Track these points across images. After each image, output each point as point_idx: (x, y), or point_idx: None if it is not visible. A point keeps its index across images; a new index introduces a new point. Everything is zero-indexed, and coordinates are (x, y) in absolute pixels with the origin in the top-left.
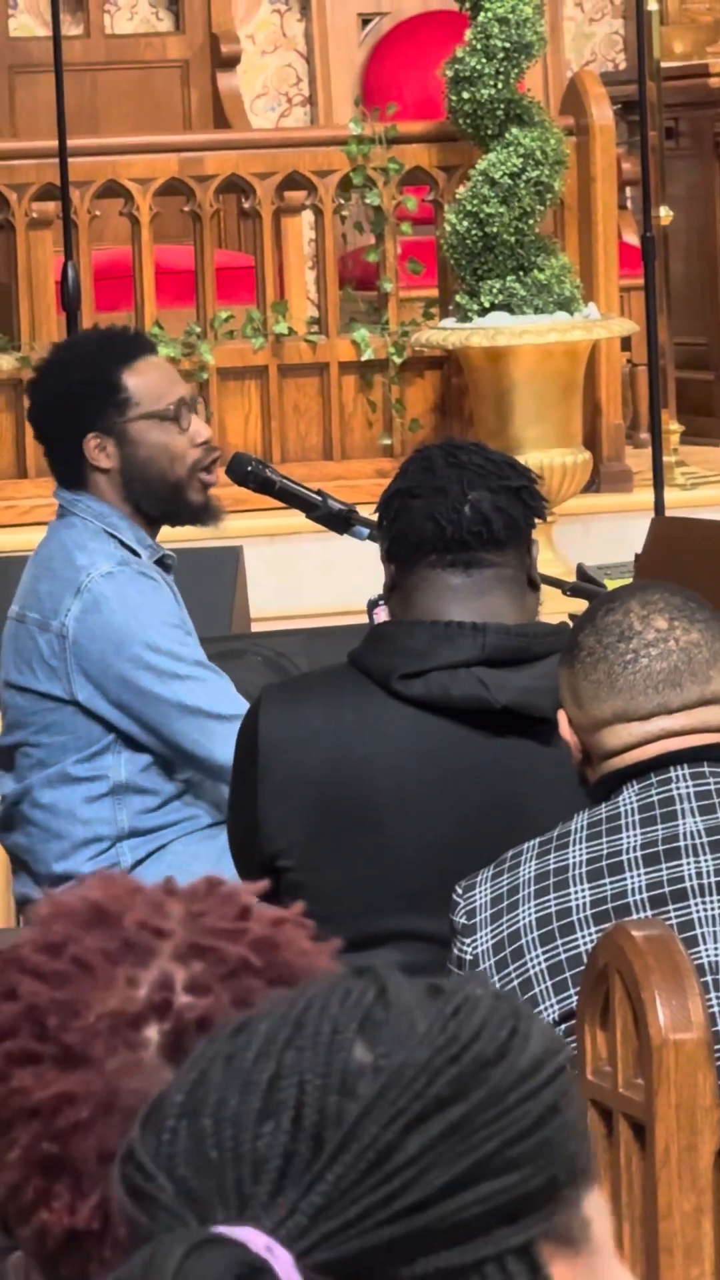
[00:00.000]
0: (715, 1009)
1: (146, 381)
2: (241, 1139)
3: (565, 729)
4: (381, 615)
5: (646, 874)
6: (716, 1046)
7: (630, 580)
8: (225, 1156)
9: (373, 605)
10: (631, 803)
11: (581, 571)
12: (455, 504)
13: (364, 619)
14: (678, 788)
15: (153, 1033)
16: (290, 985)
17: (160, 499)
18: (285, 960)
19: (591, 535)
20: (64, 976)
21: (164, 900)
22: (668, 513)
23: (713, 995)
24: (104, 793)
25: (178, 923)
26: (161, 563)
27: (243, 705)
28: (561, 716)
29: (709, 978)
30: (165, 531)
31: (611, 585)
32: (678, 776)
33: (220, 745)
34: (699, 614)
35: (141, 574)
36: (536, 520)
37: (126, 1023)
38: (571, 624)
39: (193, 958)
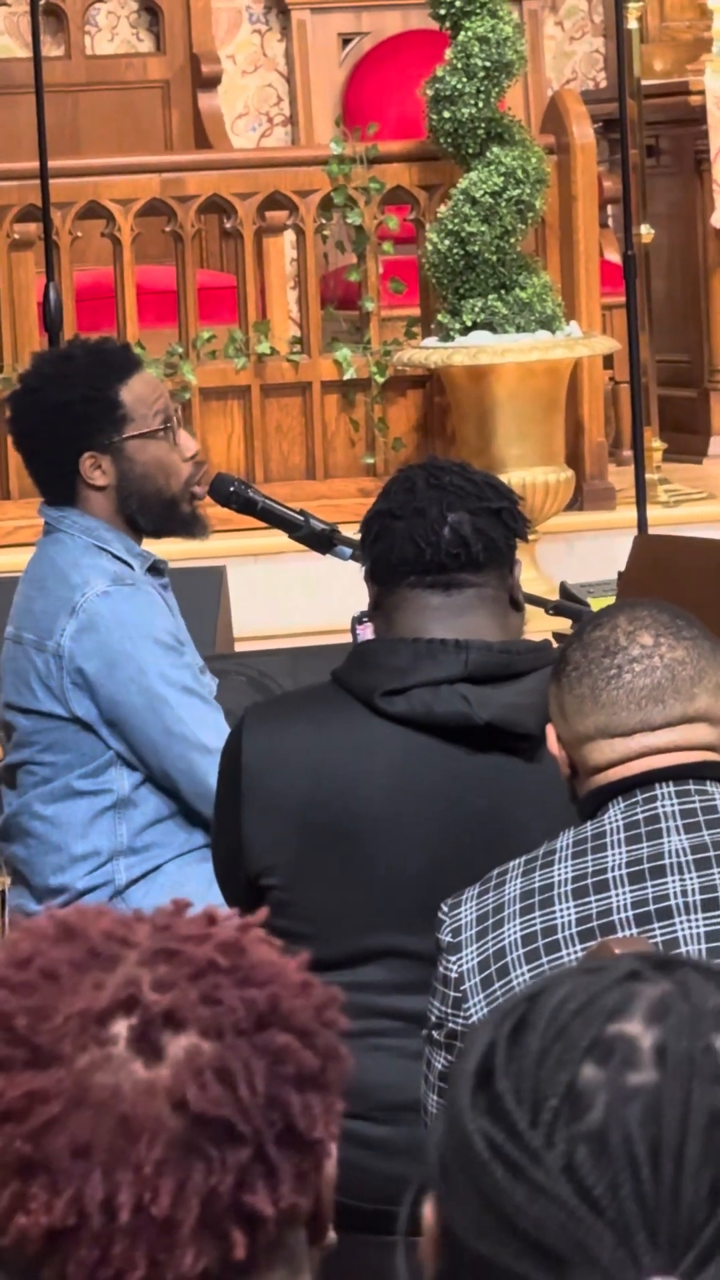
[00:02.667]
0: None
1: (140, 398)
2: (684, 1184)
3: (553, 743)
4: (365, 631)
5: (632, 892)
6: None
7: (613, 598)
8: (664, 1198)
9: (357, 621)
10: (617, 820)
11: (565, 590)
12: (434, 526)
13: (348, 638)
14: (663, 806)
15: (120, 1028)
16: (258, 986)
17: (155, 514)
18: (253, 962)
19: (575, 553)
20: (31, 986)
21: (130, 919)
22: (651, 530)
23: None
24: (107, 806)
25: (144, 935)
26: (154, 569)
27: (222, 737)
28: (550, 731)
29: None
30: (150, 547)
31: (595, 604)
32: (663, 794)
33: (201, 771)
34: (686, 631)
35: (138, 591)
36: (518, 541)
37: (94, 1019)
38: (555, 641)
39: (159, 962)
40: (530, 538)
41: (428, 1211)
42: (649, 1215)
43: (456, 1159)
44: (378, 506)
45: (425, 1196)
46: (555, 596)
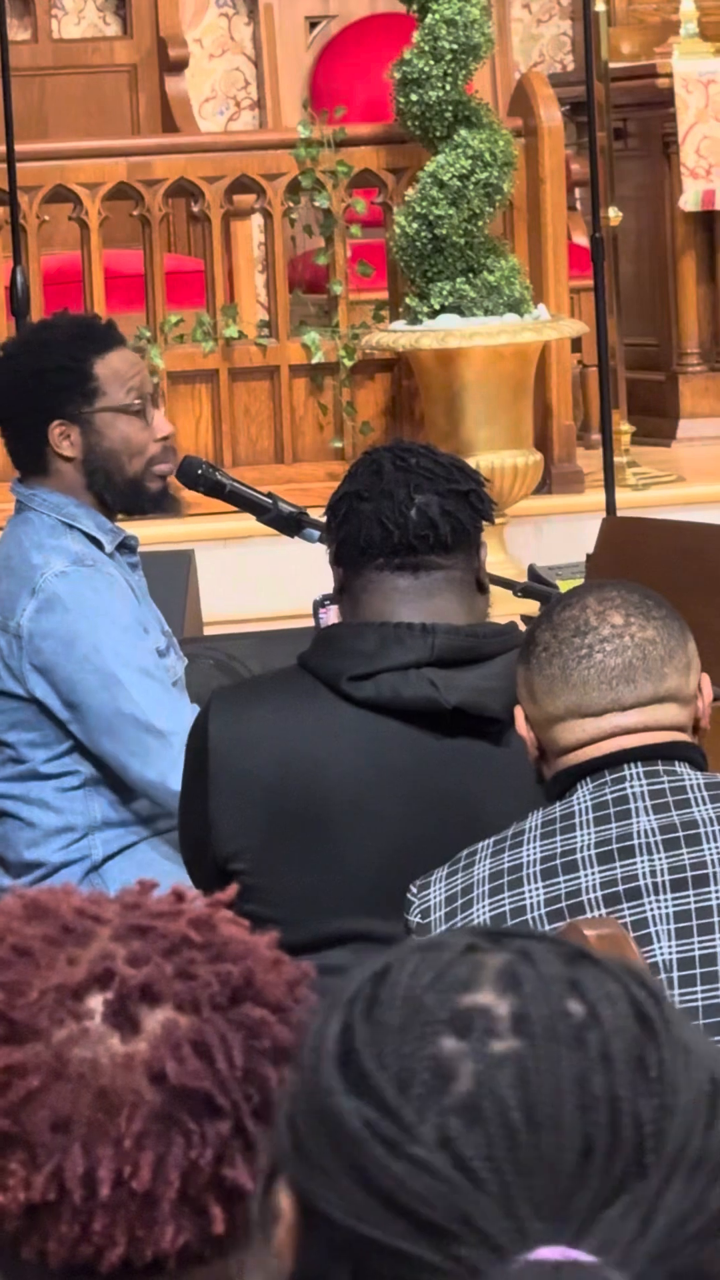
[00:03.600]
0: None
1: (115, 373)
2: (563, 1145)
3: (522, 725)
4: (328, 615)
5: (600, 872)
6: None
7: (582, 581)
8: (544, 1163)
9: (319, 605)
10: (586, 801)
11: (533, 572)
12: (402, 508)
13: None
14: (632, 786)
15: (96, 1002)
16: (231, 962)
17: (120, 491)
18: (225, 938)
19: (543, 536)
20: (5, 963)
21: (99, 897)
22: (619, 513)
23: (666, 994)
24: (75, 785)
25: (114, 913)
26: (125, 545)
27: (181, 720)
28: (518, 712)
29: (662, 976)
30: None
31: (564, 586)
32: (632, 775)
33: (147, 761)
34: (655, 611)
35: (98, 572)
36: (484, 523)
37: (70, 994)
38: (522, 624)
39: (132, 937)
40: (499, 520)
41: (283, 1200)
42: (530, 1182)
43: (326, 1141)
44: (344, 489)
45: (275, 1185)
46: (523, 579)
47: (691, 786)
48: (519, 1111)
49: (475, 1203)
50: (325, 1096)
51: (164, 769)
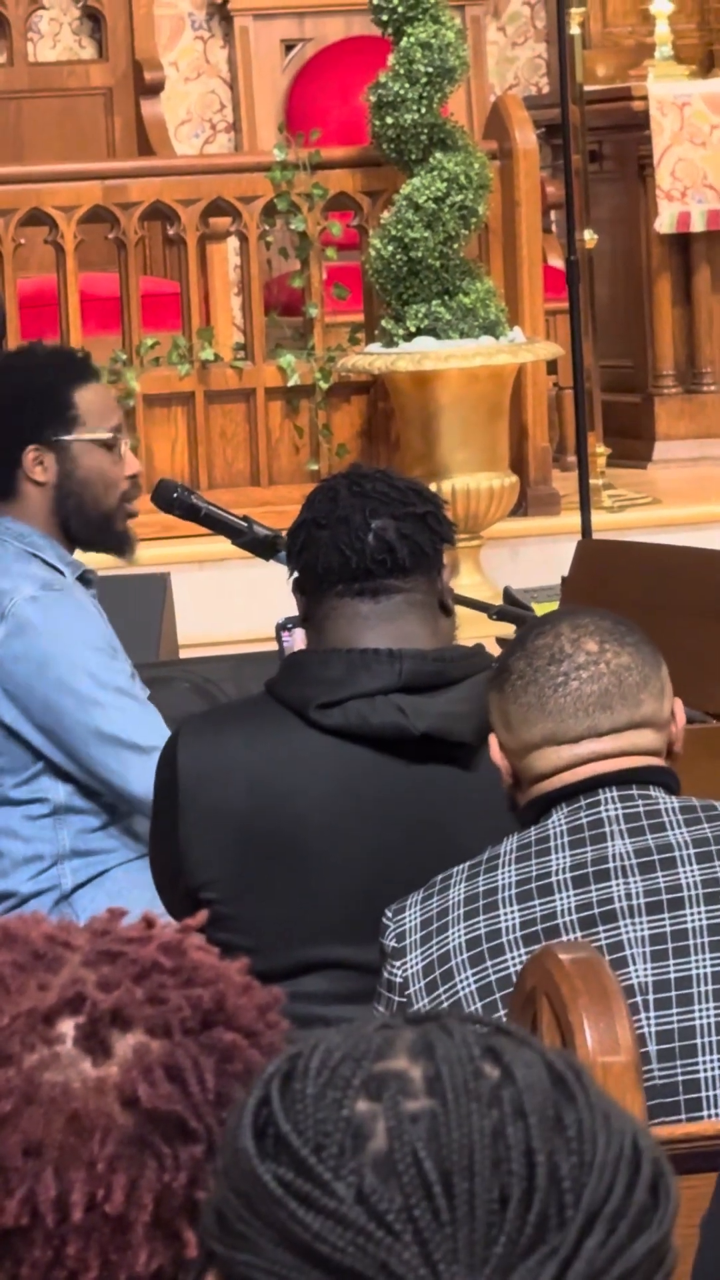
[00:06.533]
0: (644, 1030)
1: (93, 405)
2: (477, 1195)
3: (496, 753)
4: (292, 638)
5: (576, 895)
6: (645, 1068)
7: (557, 603)
8: (460, 1213)
9: (282, 628)
10: (561, 825)
11: (509, 594)
12: (359, 533)
13: None
14: (607, 810)
15: (67, 1027)
16: (202, 986)
17: (88, 522)
18: (194, 962)
19: (519, 558)
20: None
21: (69, 924)
22: (595, 536)
23: (641, 1017)
24: (45, 814)
25: (84, 940)
26: (83, 579)
27: (159, 735)
28: (492, 741)
29: (638, 998)
30: (90, 559)
31: (539, 609)
32: (607, 799)
33: (136, 777)
34: (629, 637)
35: (67, 596)
36: (444, 545)
37: (40, 1019)
38: (497, 647)
39: (102, 962)
40: (474, 543)
41: None
42: (446, 1232)
43: (246, 1207)
44: (302, 516)
45: (207, 1274)
46: (499, 602)
47: (666, 810)
48: (432, 1163)
49: (392, 1251)
50: (244, 1162)
51: (150, 783)
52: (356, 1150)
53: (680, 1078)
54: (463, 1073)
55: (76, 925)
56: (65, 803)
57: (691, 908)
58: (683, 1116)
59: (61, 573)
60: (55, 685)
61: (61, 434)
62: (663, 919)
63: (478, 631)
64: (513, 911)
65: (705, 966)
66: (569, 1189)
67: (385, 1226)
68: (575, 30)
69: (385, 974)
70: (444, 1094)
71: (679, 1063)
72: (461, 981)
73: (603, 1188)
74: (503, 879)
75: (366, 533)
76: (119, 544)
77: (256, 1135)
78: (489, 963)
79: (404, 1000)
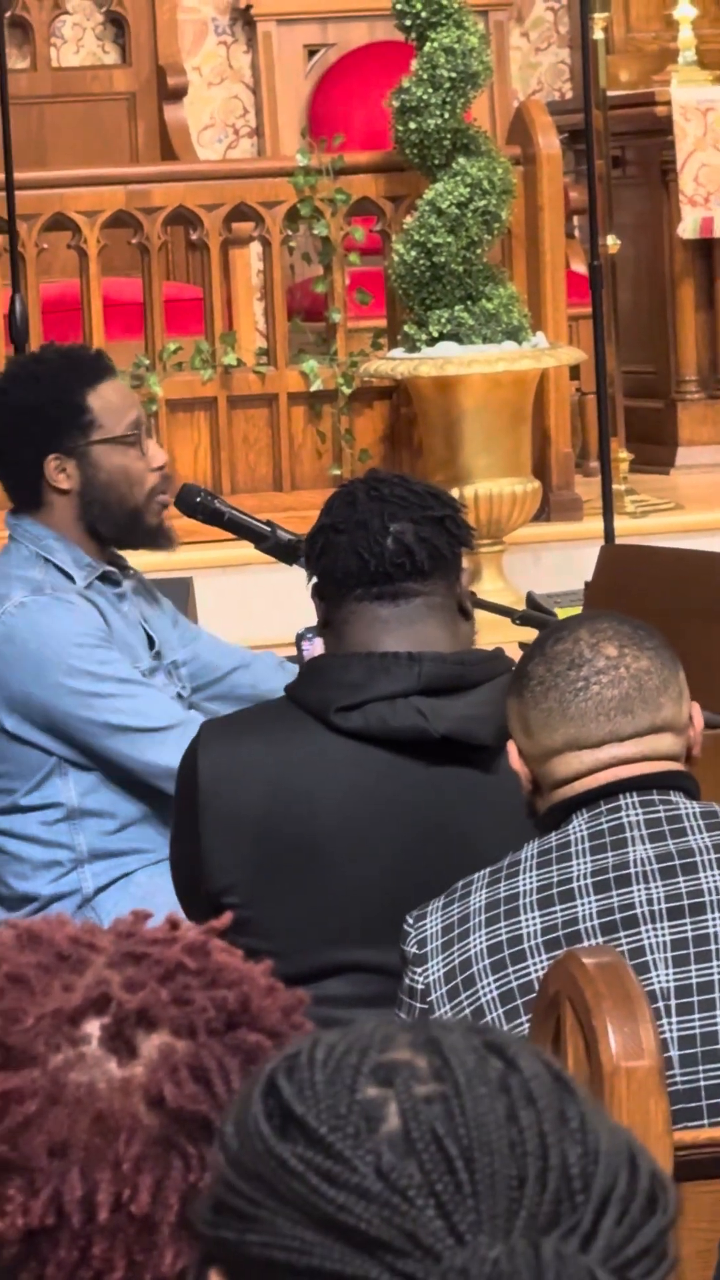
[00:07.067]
0: (666, 1035)
1: (109, 404)
2: (497, 1171)
3: (515, 760)
4: (310, 647)
5: (597, 901)
6: (668, 1073)
7: (580, 608)
8: (482, 1186)
9: (302, 637)
10: (582, 830)
11: (532, 600)
12: (377, 537)
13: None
14: (628, 815)
15: (93, 1027)
16: (227, 988)
17: (117, 522)
18: (219, 964)
19: (541, 564)
20: (0, 991)
21: (93, 927)
22: (617, 541)
23: (664, 1022)
24: (59, 818)
25: (108, 941)
26: (105, 578)
27: (172, 714)
28: (511, 747)
29: (660, 1004)
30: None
31: (562, 614)
32: (627, 804)
33: (153, 752)
34: (648, 641)
35: (56, 599)
36: (463, 549)
37: (66, 1019)
38: (513, 652)
39: (127, 964)
40: (497, 548)
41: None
42: (469, 1204)
43: (262, 1189)
44: (320, 522)
45: (207, 1271)
46: (522, 607)
47: (687, 815)
48: (451, 1140)
49: (416, 1220)
50: (258, 1144)
51: (166, 756)
52: (371, 1131)
53: (703, 1083)
54: (470, 1060)
55: (101, 927)
56: (78, 805)
57: (713, 912)
58: (705, 1121)
59: (71, 576)
60: (54, 689)
61: (79, 440)
62: (684, 924)
63: (501, 636)
64: (534, 917)
65: None
66: (578, 1175)
67: (408, 1200)
68: (599, 35)
69: (406, 980)
70: (454, 1080)
71: (701, 1068)
72: (483, 988)
73: (609, 1175)
74: (524, 885)
75: (385, 536)
76: (153, 538)
77: (270, 1119)
78: (511, 969)
79: (425, 1007)
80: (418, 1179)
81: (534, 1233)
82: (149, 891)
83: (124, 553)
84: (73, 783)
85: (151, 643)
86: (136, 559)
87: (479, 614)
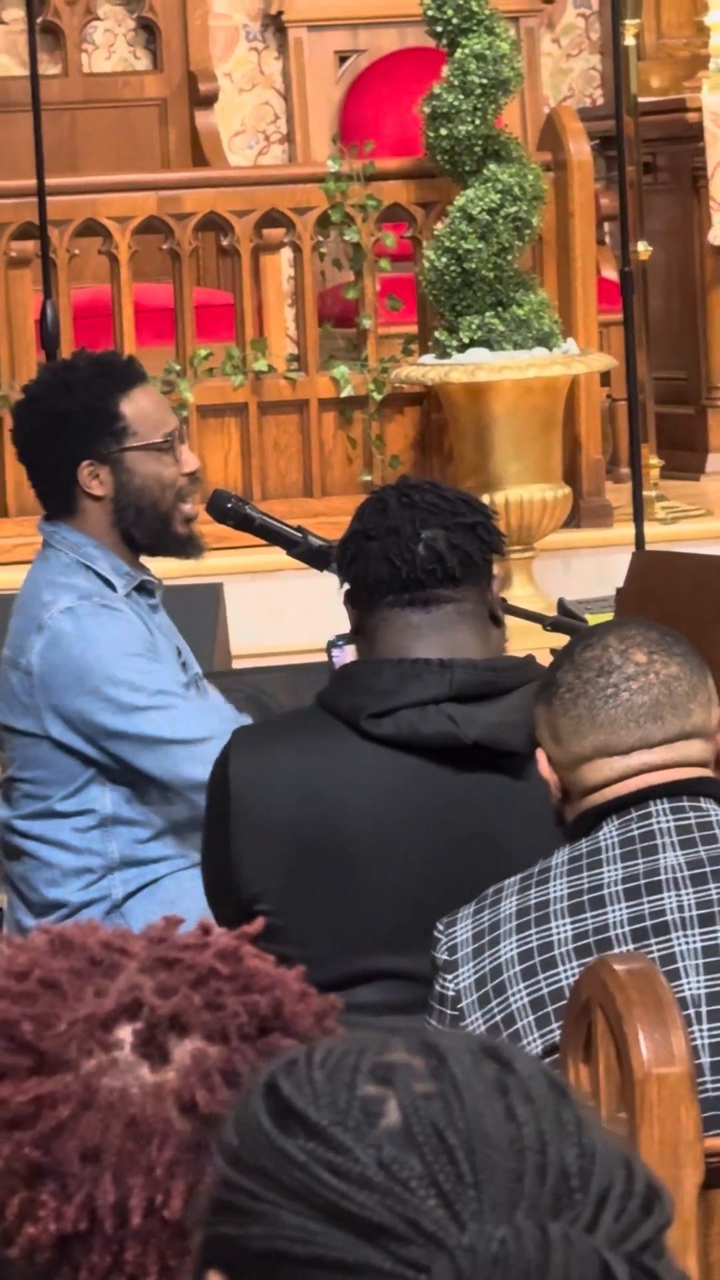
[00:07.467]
0: (697, 1042)
1: (142, 411)
2: (498, 1164)
3: (545, 767)
4: (342, 655)
5: (628, 908)
6: (699, 1080)
7: (611, 615)
8: (483, 1175)
9: (332, 645)
10: (612, 837)
11: (562, 606)
12: (409, 543)
13: None
14: (658, 822)
15: (125, 1033)
16: (259, 993)
17: (149, 529)
18: (251, 969)
19: (572, 570)
20: (32, 995)
21: (125, 932)
22: (648, 547)
23: (695, 1029)
24: (93, 825)
25: (140, 946)
26: (143, 588)
27: (210, 726)
28: (540, 755)
29: (690, 1011)
30: (148, 565)
31: (592, 620)
32: (658, 811)
33: (186, 765)
34: (676, 648)
35: (104, 606)
36: (494, 555)
37: (98, 1024)
38: (544, 658)
39: (159, 969)
40: (527, 555)
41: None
42: (471, 1194)
43: (264, 1183)
44: (352, 528)
45: (206, 1274)
46: (553, 613)
47: (717, 822)
48: (452, 1133)
49: (419, 1209)
50: (261, 1139)
51: (200, 771)
52: (371, 1126)
53: None
54: (467, 1061)
55: (133, 933)
56: (113, 813)
57: None
58: None
59: (112, 584)
60: (93, 695)
61: (113, 447)
62: (715, 931)
63: (531, 643)
64: (565, 924)
65: None
66: (576, 1173)
67: (410, 1190)
68: (630, 42)
69: (437, 987)
70: (452, 1078)
71: None
72: (514, 994)
73: (606, 1175)
74: (554, 892)
75: (416, 543)
76: (180, 546)
77: (273, 1114)
78: (541, 975)
79: (456, 1014)
80: (419, 1170)
81: (539, 1216)
82: (176, 896)
83: (152, 562)
84: (109, 791)
85: (179, 654)
86: (168, 564)
87: (509, 620)
